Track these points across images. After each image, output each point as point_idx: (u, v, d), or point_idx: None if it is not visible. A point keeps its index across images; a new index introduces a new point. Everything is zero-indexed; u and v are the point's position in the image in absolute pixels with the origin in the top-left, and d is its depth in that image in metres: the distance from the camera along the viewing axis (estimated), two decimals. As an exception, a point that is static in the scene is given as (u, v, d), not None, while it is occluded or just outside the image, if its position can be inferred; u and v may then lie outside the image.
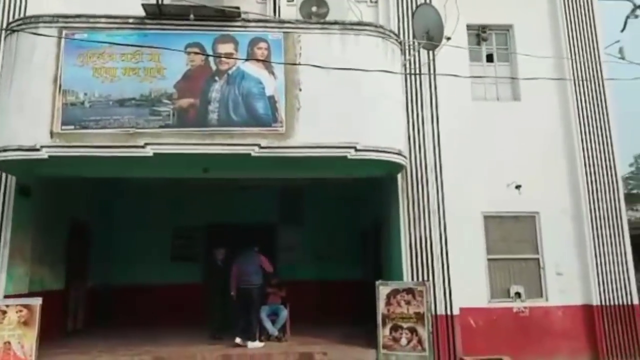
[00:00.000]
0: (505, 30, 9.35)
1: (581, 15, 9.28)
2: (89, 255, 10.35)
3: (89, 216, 10.33)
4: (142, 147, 6.72)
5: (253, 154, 6.83)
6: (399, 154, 7.55)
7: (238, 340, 7.85)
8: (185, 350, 7.53)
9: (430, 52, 8.15)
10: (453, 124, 8.28)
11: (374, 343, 7.50)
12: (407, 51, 8.20)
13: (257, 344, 7.82)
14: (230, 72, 7.01)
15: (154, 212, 11.32)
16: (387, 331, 7.49)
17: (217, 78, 6.98)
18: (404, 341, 7.39)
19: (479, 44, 9.27)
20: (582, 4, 9.35)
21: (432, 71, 8.34)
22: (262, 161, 7.04)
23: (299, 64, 6.98)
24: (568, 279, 8.44)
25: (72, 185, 9.02)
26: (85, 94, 6.86)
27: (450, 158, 8.14)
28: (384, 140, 7.31)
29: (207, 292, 8.78)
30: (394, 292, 7.65)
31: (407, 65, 8.21)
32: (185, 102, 6.87)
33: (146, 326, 9.50)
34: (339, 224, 11.36)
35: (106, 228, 11.04)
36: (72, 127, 6.73)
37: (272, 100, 6.95)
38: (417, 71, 8.31)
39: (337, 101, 7.10)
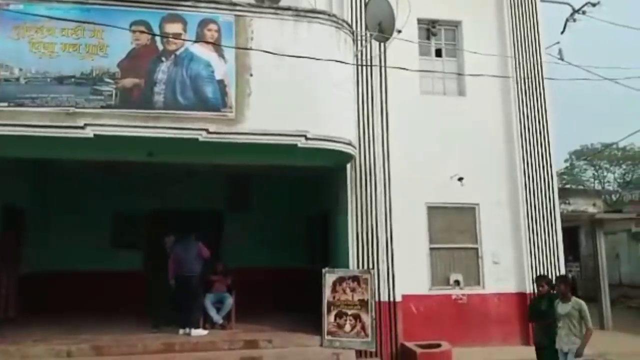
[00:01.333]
0: (454, 27, 9.61)
1: (525, 16, 9.67)
2: (24, 241, 9.79)
3: (25, 201, 9.75)
4: (82, 127, 6.42)
5: (201, 138, 6.68)
6: (349, 144, 7.63)
7: (181, 331, 7.71)
8: (126, 339, 7.31)
9: (382, 44, 8.25)
10: (401, 117, 8.44)
11: (319, 330, 7.59)
12: (359, 42, 8.25)
13: (201, 332, 7.71)
14: (178, 53, 6.79)
15: (94, 196, 10.81)
16: (332, 318, 7.61)
17: (163, 59, 6.75)
18: (347, 327, 7.52)
19: (428, 38, 9.47)
20: (526, 5, 9.73)
21: (383, 63, 8.44)
22: (210, 146, 6.90)
23: (251, 49, 6.86)
24: (504, 268, 8.90)
25: (6, 168, 8.49)
26: (21, 70, 6.45)
27: (397, 149, 8.31)
28: (335, 130, 7.35)
29: (152, 279, 8.53)
30: (340, 280, 7.77)
31: (359, 56, 8.26)
32: (129, 82, 6.60)
33: (85, 314, 9.13)
34: (287, 212, 11.32)
35: (43, 213, 10.45)
36: (6, 104, 6.33)
37: (221, 85, 6.80)
38: (369, 62, 8.38)
39: (288, 89, 7.06)
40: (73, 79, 6.52)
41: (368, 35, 8.09)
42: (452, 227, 8.94)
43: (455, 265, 8.84)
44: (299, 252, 11.17)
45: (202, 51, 6.84)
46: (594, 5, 10.68)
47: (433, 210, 8.86)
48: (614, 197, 27.35)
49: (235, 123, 6.78)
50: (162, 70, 6.72)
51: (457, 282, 8.73)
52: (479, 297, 8.75)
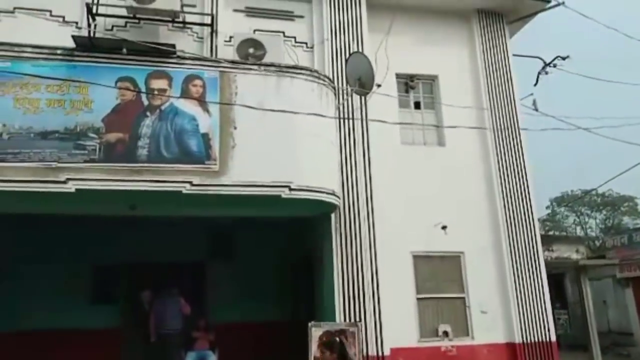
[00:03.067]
0: (431, 80, 9.98)
1: (499, 69, 10.09)
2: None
3: None
4: (64, 182, 6.38)
5: (184, 191, 6.67)
6: (333, 194, 7.68)
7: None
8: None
9: (362, 98, 8.52)
10: (384, 166, 8.58)
11: (305, 387, 7.31)
12: (340, 95, 8.50)
13: (182, 393, 7.39)
14: (163, 107, 6.90)
15: (72, 248, 10.45)
16: (318, 374, 7.35)
17: (148, 113, 6.84)
18: (335, 384, 7.26)
19: (407, 91, 9.80)
20: (499, 59, 10.17)
21: (364, 116, 8.67)
22: (193, 199, 6.89)
23: (235, 104, 7.02)
24: (492, 317, 8.78)
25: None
26: (4, 125, 6.47)
27: (381, 199, 8.38)
28: (318, 180, 7.42)
29: (129, 338, 8.22)
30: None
31: (341, 109, 8.49)
32: (113, 136, 6.64)
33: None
34: (272, 261, 11.11)
35: (15, 266, 10.04)
36: (-13, 159, 6.28)
37: (205, 138, 6.89)
38: (350, 115, 8.60)
39: (272, 141, 7.17)
40: (57, 134, 6.54)
41: (349, 89, 8.36)
42: (439, 276, 8.88)
43: (444, 316, 8.71)
44: (283, 304, 10.92)
45: (187, 106, 6.96)
46: (563, 58, 11.23)
47: (419, 259, 8.82)
48: (597, 243, 27.62)
49: (219, 175, 6.81)
50: (147, 125, 6.79)
51: (445, 333, 8.57)
52: (468, 348, 8.58)
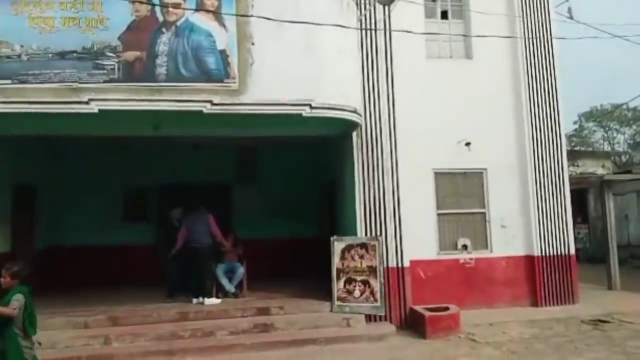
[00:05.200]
0: (460, -14, 9.34)
1: (533, -26, 9.34)
2: (37, 217, 9.95)
3: (36, 178, 9.86)
4: (87, 103, 6.41)
5: (205, 110, 6.67)
6: (355, 112, 7.57)
7: (195, 300, 7.89)
8: (141, 309, 7.52)
9: (386, 8, 8.06)
10: (407, 82, 8.31)
11: (329, 296, 7.74)
12: (362, 6, 8.06)
13: (214, 301, 7.89)
14: (178, 23, 6.71)
15: (104, 171, 10.93)
16: (341, 284, 7.74)
17: (164, 30, 6.67)
18: (357, 293, 7.66)
19: (434, 0, 9.22)
20: (534, -38, 9.39)
21: (387, 27, 8.26)
22: (215, 118, 6.89)
23: (252, 16, 6.74)
24: (512, 232, 8.91)
25: (16, 146, 8.57)
26: (22, 46, 6.42)
27: (403, 116, 8.21)
28: (340, 97, 7.29)
29: (163, 252, 8.68)
30: (349, 247, 7.86)
31: (363, 21, 8.09)
32: (131, 55, 6.56)
33: (100, 288, 9.39)
34: (295, 182, 11.37)
35: (54, 189, 10.57)
36: (9, 81, 6.33)
37: (223, 55, 6.74)
38: (373, 27, 8.21)
39: (291, 57, 6.97)
40: (75, 54, 6.49)
41: (371, -1, 7.91)
42: (460, 192, 8.92)
43: (463, 230, 8.87)
44: (308, 221, 11.29)
45: (202, 21, 6.75)
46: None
47: (440, 176, 8.83)
48: (623, 159, 27.08)
49: (238, 94, 6.74)
50: (164, 42, 6.66)
51: (464, 247, 8.78)
52: (486, 260, 8.81)
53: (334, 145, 9.13)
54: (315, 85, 7.05)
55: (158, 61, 6.61)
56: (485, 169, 8.94)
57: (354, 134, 8.04)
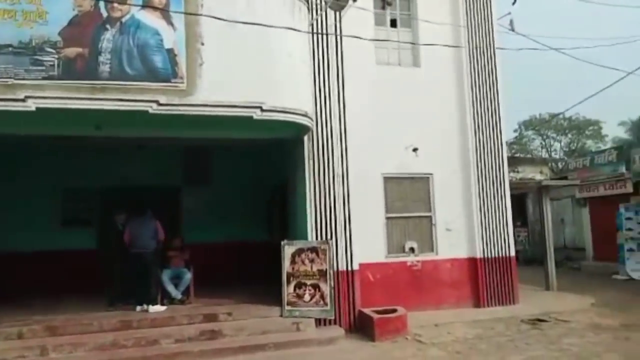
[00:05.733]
0: (408, -3, 9.59)
1: (477, -14, 9.74)
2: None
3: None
4: (23, 100, 6.06)
5: (151, 111, 6.46)
6: (306, 115, 7.58)
7: (138, 308, 7.61)
8: (81, 318, 7.15)
9: (337, 13, 8.14)
10: (357, 87, 8.43)
11: (279, 301, 7.68)
12: (314, 11, 8.11)
13: (159, 308, 7.64)
14: (123, 20, 6.47)
15: (42, 173, 10.31)
16: (291, 289, 7.71)
17: (108, 26, 6.42)
18: (307, 297, 7.65)
19: (383, 8, 9.42)
20: (478, -25, 9.79)
21: (338, 32, 8.34)
22: (161, 119, 6.70)
23: (201, 15, 6.61)
24: (456, 234, 9.22)
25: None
26: (-48, 38, 5.98)
27: (354, 121, 8.30)
28: (291, 101, 7.28)
29: (106, 258, 8.30)
30: (299, 251, 7.85)
31: (314, 25, 8.13)
32: (72, 51, 6.25)
33: (37, 296, 8.84)
34: (246, 185, 11.25)
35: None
36: (-62, 76, 5.87)
37: (171, 54, 6.57)
38: (324, 31, 8.26)
39: (242, 59, 6.90)
40: (10, 48, 6.12)
41: (323, 3, 7.97)
42: (408, 196, 9.14)
43: (411, 233, 9.08)
44: (259, 225, 11.19)
45: (149, 18, 6.55)
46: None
47: (389, 181, 9.01)
48: (559, 165, 28.67)
49: (187, 94, 6.58)
50: (107, 39, 6.40)
51: (412, 249, 8.99)
52: (432, 263, 9.06)
53: (286, 149, 9.11)
54: (266, 88, 7.00)
55: (101, 58, 6.34)
56: (431, 174, 9.21)
57: (306, 138, 8.06)
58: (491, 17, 9.72)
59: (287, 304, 7.65)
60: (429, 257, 9.07)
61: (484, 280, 9.13)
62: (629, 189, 14.35)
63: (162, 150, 10.44)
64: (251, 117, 6.89)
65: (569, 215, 17.48)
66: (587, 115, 33.09)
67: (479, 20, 9.62)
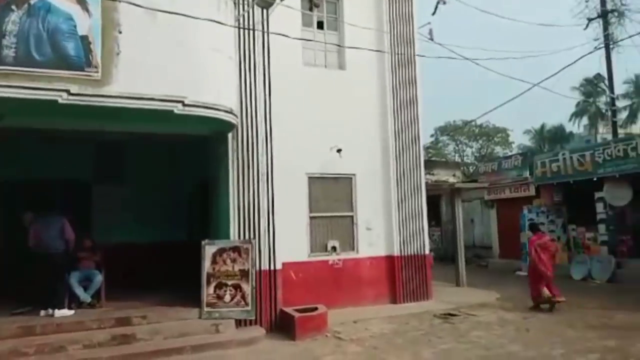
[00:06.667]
0: (335, 0, 9.74)
1: (401, -4, 10.12)
2: None
3: None
4: None
5: (61, 100, 6.01)
6: (230, 112, 7.44)
7: (43, 312, 7.04)
8: (-27, 325, 6.49)
9: (264, 11, 8.08)
10: (284, 87, 8.41)
11: (198, 303, 7.46)
12: (241, 6, 7.98)
13: (66, 312, 7.12)
14: (32, 2, 5.96)
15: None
16: (211, 289, 7.53)
17: (14, 7, 5.89)
18: (227, 298, 7.52)
19: (311, 9, 9.48)
20: (402, -15, 10.17)
21: (265, 29, 8.27)
22: (72, 110, 6.26)
23: (120, 1, 6.25)
24: (376, 233, 9.53)
25: None
26: None
27: (279, 120, 8.28)
28: (215, 96, 7.10)
29: (8, 258, 7.57)
30: (220, 251, 7.69)
31: (241, 21, 8.00)
32: (-31, 32, 5.65)
33: None
34: (165, 183, 10.72)
35: None
36: None
37: (85, 41, 6.14)
38: (251, 27, 8.15)
39: (164, 50, 6.62)
40: None
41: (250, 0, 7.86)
42: (331, 196, 9.29)
43: (333, 233, 9.25)
44: (178, 224, 10.77)
45: (62, 2, 6.09)
46: (459, -10, 11.55)
47: (313, 180, 9.10)
48: (471, 169, 30.57)
49: (101, 85, 6.19)
50: (13, 21, 5.87)
51: (334, 248, 9.16)
52: (353, 261, 9.29)
53: (209, 146, 8.87)
54: (189, 82, 6.77)
55: (5, 42, 5.80)
56: (354, 175, 9.44)
57: (230, 135, 7.91)
58: (412, 25, 10.15)
59: (207, 305, 7.46)
60: (350, 255, 9.29)
61: (401, 278, 9.51)
62: (532, 192, 15.66)
63: (72, 143, 9.71)
64: (172, 112, 6.63)
65: (478, 216, 18.69)
66: (496, 123, 35.68)
67: (401, 27, 10.01)
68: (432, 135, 36.68)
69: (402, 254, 9.59)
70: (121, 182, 10.60)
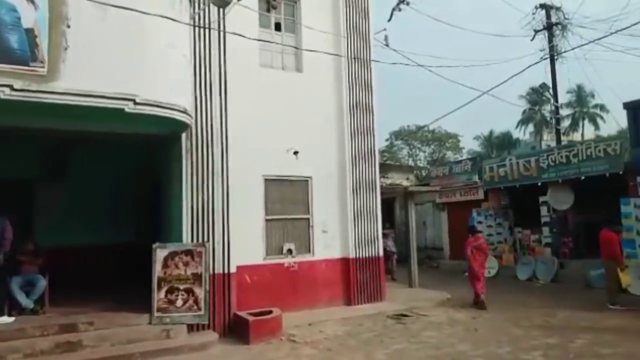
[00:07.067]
0: (293, 2, 9.74)
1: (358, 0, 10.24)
2: None
3: None
4: None
5: (3, 96, 5.68)
6: (184, 112, 7.27)
7: (-20, 319, 6.63)
8: None
9: (221, 10, 7.96)
10: (240, 88, 8.33)
11: (147, 307, 7.24)
12: (196, 4, 7.83)
13: (5, 319, 6.73)
14: (-29, -10, 5.61)
15: None
16: (162, 294, 7.32)
17: (-50, -5, 5.51)
18: (179, 302, 7.33)
19: (268, 10, 9.44)
20: (359, -10, 10.30)
21: (222, 29, 8.15)
22: (15, 106, 5.92)
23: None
24: (331, 236, 9.58)
25: None
26: None
27: (235, 121, 8.18)
28: (169, 95, 6.92)
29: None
30: (172, 255, 7.49)
31: (196, 19, 7.85)
32: None
33: None
34: (114, 183, 10.32)
35: None
36: None
37: (30, 34, 5.84)
38: (207, 25, 8.01)
39: (116, 46, 6.39)
40: None
41: (206, -2, 7.73)
42: (287, 198, 9.26)
43: (289, 235, 9.22)
44: (128, 227, 10.39)
45: (4, -8, 5.76)
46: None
47: (270, 182, 9.04)
48: (423, 173, 31.36)
49: (47, 80, 5.91)
50: (-51, 9, 5.49)
51: (290, 251, 9.13)
52: (308, 263, 9.30)
53: (161, 146, 8.64)
54: (141, 80, 6.56)
55: (-61, 31, 5.42)
56: (310, 177, 9.45)
57: (184, 135, 7.73)
58: (368, 31, 10.30)
59: (157, 311, 7.24)
60: (305, 258, 9.29)
61: (355, 280, 9.60)
62: (481, 195, 16.24)
63: (16, 141, 9.18)
64: (122, 110, 6.41)
65: (430, 218, 19.17)
66: (448, 129, 36.78)
67: (358, 32, 10.13)
68: (387, 140, 37.41)
69: (357, 256, 9.69)
70: (65, 182, 10.13)
